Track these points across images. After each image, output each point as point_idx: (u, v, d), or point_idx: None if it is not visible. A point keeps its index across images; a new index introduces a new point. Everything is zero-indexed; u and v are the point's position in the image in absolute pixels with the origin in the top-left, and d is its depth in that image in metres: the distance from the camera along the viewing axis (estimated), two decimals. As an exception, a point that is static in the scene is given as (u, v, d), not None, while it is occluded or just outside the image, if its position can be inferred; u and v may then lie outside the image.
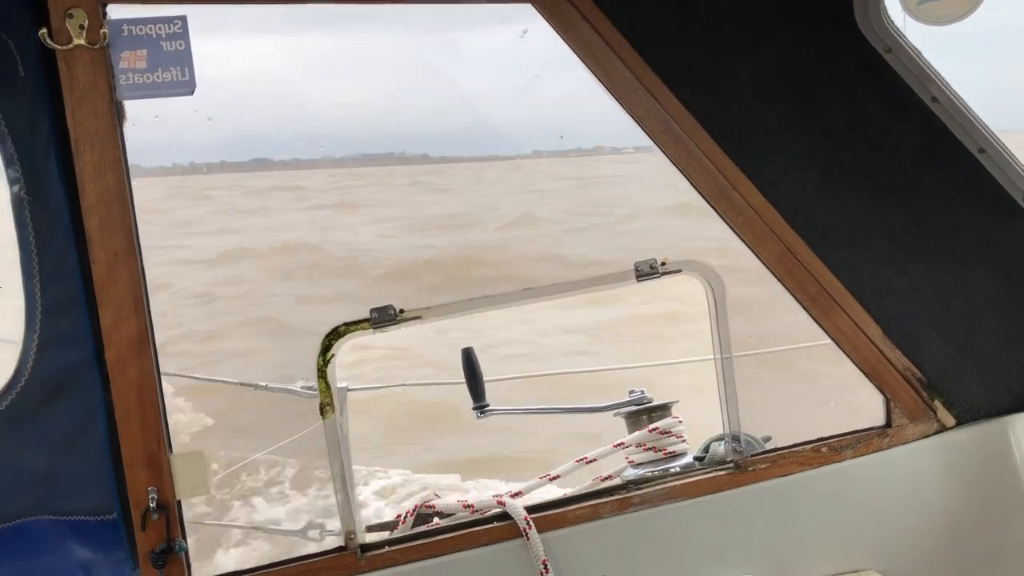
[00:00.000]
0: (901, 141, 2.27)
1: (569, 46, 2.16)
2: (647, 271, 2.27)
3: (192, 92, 2.06)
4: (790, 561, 2.35)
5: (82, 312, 2.13)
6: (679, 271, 2.28)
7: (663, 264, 2.28)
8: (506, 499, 2.31)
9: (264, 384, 2.78)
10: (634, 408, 2.65)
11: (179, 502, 2.16)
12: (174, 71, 2.03)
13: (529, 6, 2.14)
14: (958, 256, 2.34)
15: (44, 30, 1.93)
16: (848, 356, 2.36)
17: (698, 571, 2.31)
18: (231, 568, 2.28)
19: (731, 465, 2.35)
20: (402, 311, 2.22)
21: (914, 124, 2.24)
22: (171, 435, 2.16)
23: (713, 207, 2.25)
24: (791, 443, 2.40)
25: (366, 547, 2.24)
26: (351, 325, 2.22)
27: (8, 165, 2.08)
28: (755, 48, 2.21)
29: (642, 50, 2.16)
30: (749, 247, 2.28)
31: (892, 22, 2.15)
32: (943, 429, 2.40)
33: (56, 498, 2.18)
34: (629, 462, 2.59)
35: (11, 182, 2.10)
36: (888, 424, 2.40)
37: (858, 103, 2.25)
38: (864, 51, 2.18)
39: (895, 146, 2.27)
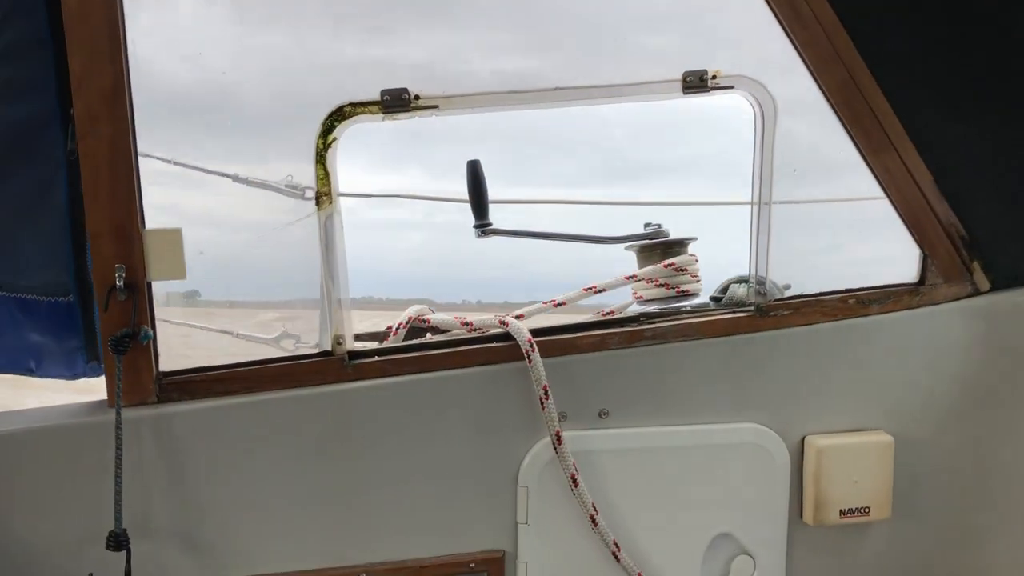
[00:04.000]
0: None
1: None
2: (696, 83, 2.02)
3: None
4: (799, 414, 2.22)
5: (47, 56, 1.84)
6: (731, 87, 2.04)
7: (714, 77, 2.03)
8: (508, 319, 2.12)
9: (243, 177, 2.51)
10: (648, 242, 2.45)
11: (149, 284, 1.92)
12: None
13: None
14: None
15: None
16: (892, 202, 2.17)
17: (703, 415, 2.18)
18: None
19: (751, 308, 2.19)
20: (417, 96, 1.95)
21: None
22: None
23: (774, 10, 1.99)
24: (817, 291, 2.24)
25: (354, 354, 2.05)
26: (358, 106, 1.95)
27: None
28: None
29: None
30: (810, 69, 2.04)
31: None
32: (977, 293, 2.25)
33: (6, 271, 1.96)
34: (636, 298, 2.42)
35: None
36: (921, 282, 2.24)
37: None
38: None
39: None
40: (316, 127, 1.95)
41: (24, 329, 2.02)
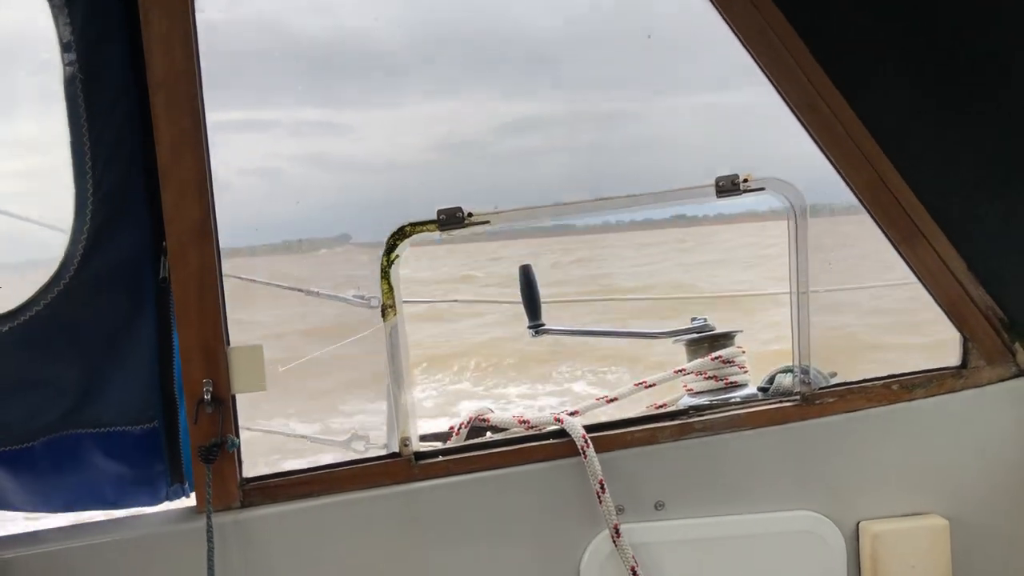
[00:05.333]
0: (1006, 65, 2.14)
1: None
2: (728, 187, 2.17)
3: None
4: (851, 499, 2.27)
5: (140, 197, 2.05)
6: (762, 189, 2.17)
7: (745, 181, 2.17)
8: (564, 416, 2.25)
9: (316, 290, 2.71)
10: (695, 336, 2.56)
11: (234, 397, 2.10)
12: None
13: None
14: None
15: None
16: (929, 291, 2.26)
17: (756, 504, 2.25)
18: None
19: (797, 397, 2.27)
20: (470, 214, 2.14)
21: (1020, 47, 2.11)
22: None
23: (799, 118, 2.13)
24: (860, 378, 2.31)
25: (420, 455, 2.19)
26: (417, 225, 2.14)
27: (65, 48, 1.98)
28: None
29: None
30: (835, 166, 2.17)
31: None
32: (1021, 374, 2.31)
33: (93, 407, 2.07)
34: (687, 390, 2.52)
35: (66, 63, 2.00)
36: (964, 365, 2.30)
37: (964, 30, 2.11)
38: None
39: (999, 69, 2.14)
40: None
41: (106, 463, 2.11)
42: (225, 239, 2.05)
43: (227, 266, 2.06)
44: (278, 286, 2.66)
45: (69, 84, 1.99)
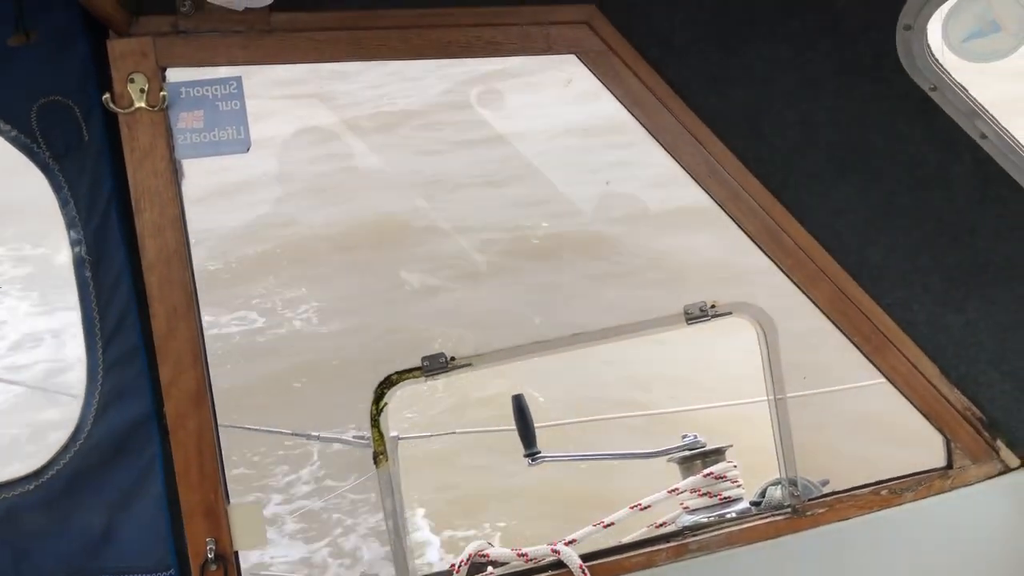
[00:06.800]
0: (952, 178, 2.25)
1: (613, 94, 2.19)
2: (697, 314, 2.27)
3: (247, 150, 2.12)
4: None
5: (142, 367, 2.17)
6: (729, 313, 2.27)
7: (713, 307, 2.27)
8: (560, 547, 2.29)
9: (316, 434, 2.81)
10: (688, 453, 2.62)
11: (236, 552, 2.17)
12: (230, 130, 2.10)
13: (572, 56, 2.18)
14: (1015, 291, 2.30)
15: (107, 95, 2.00)
16: (905, 396, 2.32)
17: None
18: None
19: (788, 510, 2.31)
20: (453, 358, 2.24)
21: (964, 161, 2.22)
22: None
23: (762, 249, 2.25)
24: (849, 486, 2.36)
25: (422, 597, 2.24)
26: (403, 373, 2.24)
27: (71, 227, 2.16)
28: (801, 91, 2.22)
29: (686, 96, 2.17)
30: (800, 288, 2.26)
31: (937, 60, 2.14)
32: (1007, 470, 2.34)
33: (113, 556, 2.21)
34: (684, 508, 2.56)
35: (73, 243, 2.17)
36: (949, 465, 2.34)
37: (907, 142, 2.24)
38: (910, 90, 2.17)
39: (946, 183, 2.26)
40: None
41: None
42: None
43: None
44: (280, 433, 2.76)
45: (78, 265, 2.16)
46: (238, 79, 2.11)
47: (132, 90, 2.01)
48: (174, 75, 2.09)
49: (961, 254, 2.29)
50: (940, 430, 2.33)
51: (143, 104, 2.02)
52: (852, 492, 2.33)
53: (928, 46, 2.15)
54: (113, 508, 2.21)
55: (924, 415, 2.32)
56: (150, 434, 2.18)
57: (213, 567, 2.13)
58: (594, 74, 2.19)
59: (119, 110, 2.01)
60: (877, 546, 2.30)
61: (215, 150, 2.10)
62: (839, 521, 2.30)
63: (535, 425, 2.72)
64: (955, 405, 2.31)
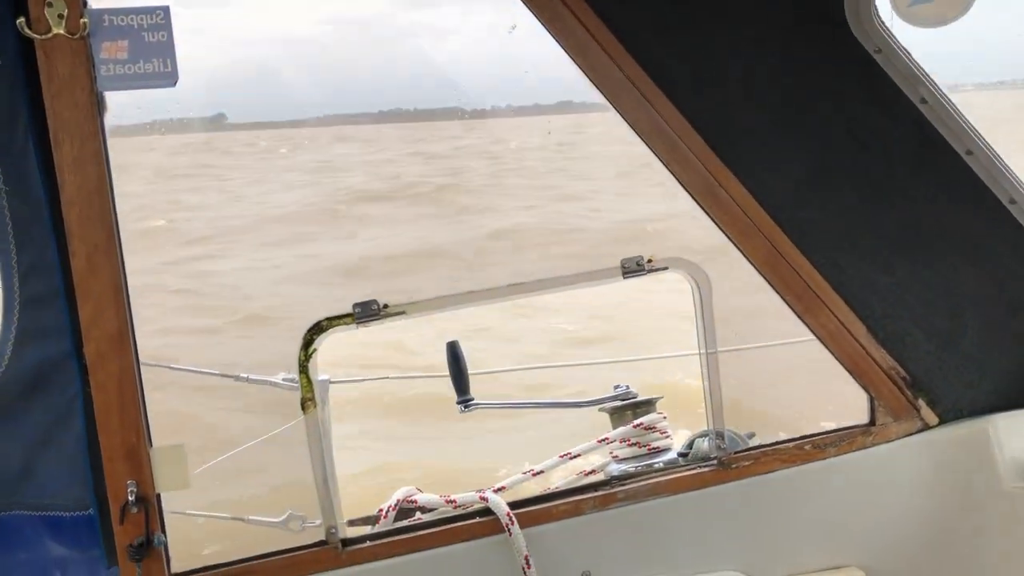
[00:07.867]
0: (890, 141, 2.26)
1: (557, 42, 2.15)
2: (633, 268, 2.26)
3: (175, 83, 2.03)
4: (773, 557, 2.35)
5: (62, 305, 2.10)
6: (665, 268, 2.27)
7: (649, 261, 2.27)
8: (488, 494, 2.31)
9: (245, 376, 2.77)
10: (619, 403, 2.64)
11: (159, 495, 2.14)
12: (156, 62, 2.00)
13: (518, 1, 2.12)
14: (944, 256, 2.34)
15: (22, 19, 1.89)
16: (833, 354, 2.36)
17: (681, 567, 2.32)
18: (211, 562, 2.27)
19: (715, 462, 2.35)
20: (386, 306, 2.21)
21: (903, 124, 2.24)
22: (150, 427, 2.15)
23: (699, 203, 2.24)
24: (774, 440, 2.40)
25: (347, 541, 2.24)
26: (333, 320, 2.21)
27: None
28: (745, 46, 2.20)
29: (631, 47, 2.14)
30: (735, 243, 2.27)
31: (883, 23, 2.13)
32: (926, 428, 2.41)
33: (32, 492, 2.17)
34: (613, 457, 2.59)
35: None
36: (872, 422, 2.40)
37: (848, 103, 2.24)
38: (854, 51, 2.17)
39: (883, 146, 2.27)
40: None
41: (48, 544, 2.21)
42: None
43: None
44: (207, 373, 2.71)
45: None
46: (166, 9, 2.01)
47: (50, 15, 1.90)
48: (97, 1, 1.98)
49: (893, 216, 2.32)
50: (865, 387, 2.38)
51: (62, 31, 1.91)
52: (777, 446, 2.38)
53: (875, 7, 2.14)
54: (32, 446, 2.16)
55: (850, 372, 2.37)
56: (70, 374, 2.12)
57: (134, 509, 2.10)
58: (538, 19, 2.14)
59: (35, 35, 1.90)
60: (800, 499, 2.36)
61: (141, 83, 2.01)
62: (763, 474, 2.35)
63: (469, 373, 2.72)
64: (880, 364, 2.36)
